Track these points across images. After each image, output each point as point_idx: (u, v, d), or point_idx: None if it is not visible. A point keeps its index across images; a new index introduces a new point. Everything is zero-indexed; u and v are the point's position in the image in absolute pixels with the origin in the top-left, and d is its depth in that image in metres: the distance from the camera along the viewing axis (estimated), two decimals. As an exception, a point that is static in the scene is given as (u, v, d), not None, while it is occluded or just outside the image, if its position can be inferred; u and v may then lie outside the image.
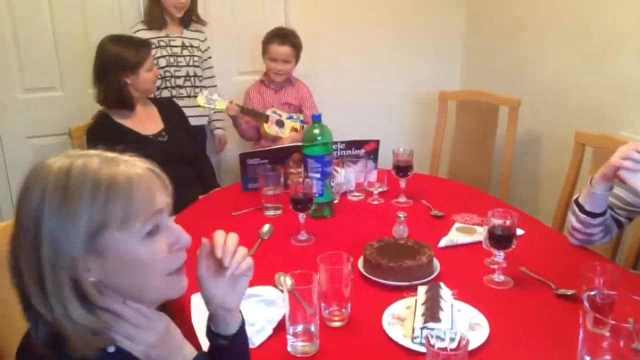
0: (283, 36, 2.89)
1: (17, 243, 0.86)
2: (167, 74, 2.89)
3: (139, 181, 0.88)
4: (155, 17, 2.84)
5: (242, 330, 1.10)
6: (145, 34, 2.79)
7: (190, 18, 2.95)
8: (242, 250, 1.03)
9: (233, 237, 1.02)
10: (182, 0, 2.82)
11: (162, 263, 0.92)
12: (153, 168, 0.94)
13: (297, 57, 2.95)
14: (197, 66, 2.96)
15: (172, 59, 2.88)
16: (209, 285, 1.03)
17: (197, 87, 2.96)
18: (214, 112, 2.99)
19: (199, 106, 2.76)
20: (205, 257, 1.01)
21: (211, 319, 1.09)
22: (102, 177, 0.86)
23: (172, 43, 2.89)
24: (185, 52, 2.91)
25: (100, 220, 0.85)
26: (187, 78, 2.93)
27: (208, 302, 1.05)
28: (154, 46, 2.75)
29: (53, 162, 0.87)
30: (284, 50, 2.88)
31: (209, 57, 3.04)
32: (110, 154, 0.91)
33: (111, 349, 0.89)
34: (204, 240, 1.02)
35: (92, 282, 0.87)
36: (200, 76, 3.00)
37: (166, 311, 0.99)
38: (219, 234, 1.02)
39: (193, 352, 1.00)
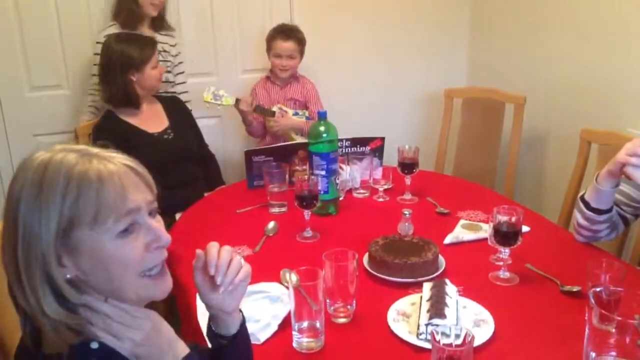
0: (287, 32, 2.89)
1: (3, 235, 0.87)
2: None
3: (110, 178, 0.87)
4: (133, 16, 2.72)
5: (242, 329, 1.11)
6: None
7: (161, 22, 2.87)
8: (236, 262, 1.03)
9: (226, 253, 1.01)
10: None
11: (136, 262, 0.89)
12: (133, 165, 0.92)
13: (301, 53, 2.94)
14: (169, 71, 2.89)
15: None
16: (206, 293, 1.04)
17: (169, 92, 2.89)
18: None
19: (205, 102, 2.76)
20: (201, 269, 1.02)
21: (212, 320, 1.09)
22: (74, 173, 0.86)
23: None
24: (158, 57, 2.79)
25: (71, 216, 0.84)
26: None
27: (207, 306, 1.06)
28: None
29: (37, 156, 0.89)
30: (288, 45, 2.88)
31: (180, 62, 2.96)
32: (93, 150, 0.91)
33: (94, 345, 0.88)
34: (198, 252, 1.02)
35: (68, 278, 0.87)
36: (173, 82, 2.94)
37: (171, 309, 1.00)
38: (212, 249, 1.01)
39: (185, 350, 0.98)
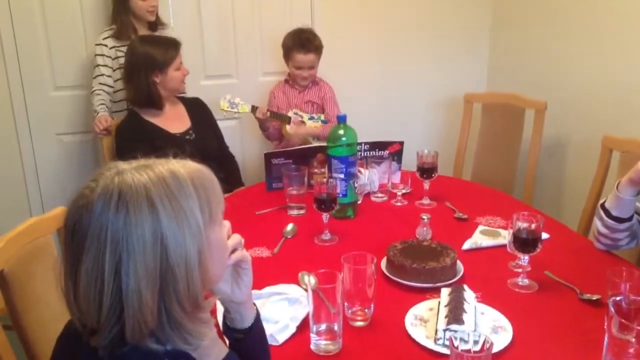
0: (306, 43, 2.87)
1: (126, 265, 0.81)
2: None
3: (212, 174, 0.93)
4: (125, 26, 2.78)
5: (257, 323, 1.12)
6: (112, 43, 2.79)
7: (157, 22, 2.89)
8: (234, 239, 1.02)
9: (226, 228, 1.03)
10: (154, 3, 2.79)
11: (228, 249, 0.98)
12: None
13: (319, 58, 2.95)
14: None
15: None
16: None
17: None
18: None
19: (221, 110, 2.77)
20: None
21: (226, 314, 1.11)
22: (192, 175, 0.88)
23: None
24: None
25: (209, 214, 0.88)
26: None
27: (218, 298, 1.08)
28: (123, 54, 2.71)
29: (131, 180, 0.83)
30: (308, 58, 2.88)
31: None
32: (165, 159, 0.91)
33: (169, 346, 0.88)
34: None
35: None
36: None
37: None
38: None
39: (225, 349, 1.03)
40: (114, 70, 2.82)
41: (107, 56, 2.80)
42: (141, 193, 0.82)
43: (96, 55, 2.81)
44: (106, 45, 2.80)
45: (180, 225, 0.83)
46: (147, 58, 2.42)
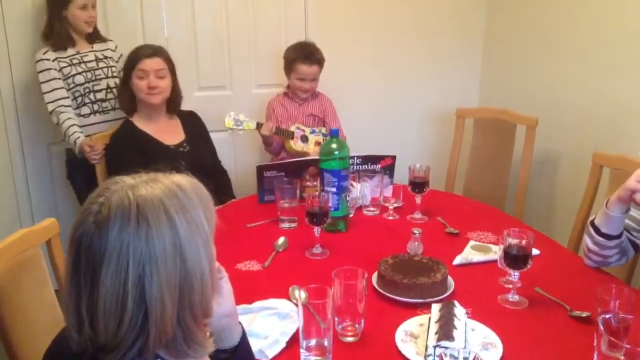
0: (310, 56, 2.85)
1: (149, 277, 0.82)
2: (86, 90, 2.78)
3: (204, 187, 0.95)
4: (62, 37, 2.73)
5: (244, 339, 1.13)
6: (54, 55, 2.71)
7: (95, 35, 2.85)
8: None
9: None
10: (92, 14, 2.76)
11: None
12: None
13: (321, 71, 2.95)
14: (117, 76, 2.83)
15: (89, 74, 2.77)
16: None
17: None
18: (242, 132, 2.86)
19: (227, 129, 2.75)
20: None
21: (213, 337, 1.09)
22: (199, 191, 0.91)
23: (86, 59, 2.78)
24: (102, 64, 2.82)
25: (211, 225, 0.91)
26: (109, 90, 2.82)
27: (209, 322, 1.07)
28: (67, 64, 2.71)
29: (146, 193, 0.85)
30: (312, 70, 2.87)
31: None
32: (163, 173, 0.93)
33: None
34: None
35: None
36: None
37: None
38: None
39: None
40: (64, 81, 2.73)
41: (54, 69, 2.71)
42: (158, 206, 0.84)
43: (40, 72, 2.70)
44: (48, 59, 2.69)
45: (194, 236, 0.86)
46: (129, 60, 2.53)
